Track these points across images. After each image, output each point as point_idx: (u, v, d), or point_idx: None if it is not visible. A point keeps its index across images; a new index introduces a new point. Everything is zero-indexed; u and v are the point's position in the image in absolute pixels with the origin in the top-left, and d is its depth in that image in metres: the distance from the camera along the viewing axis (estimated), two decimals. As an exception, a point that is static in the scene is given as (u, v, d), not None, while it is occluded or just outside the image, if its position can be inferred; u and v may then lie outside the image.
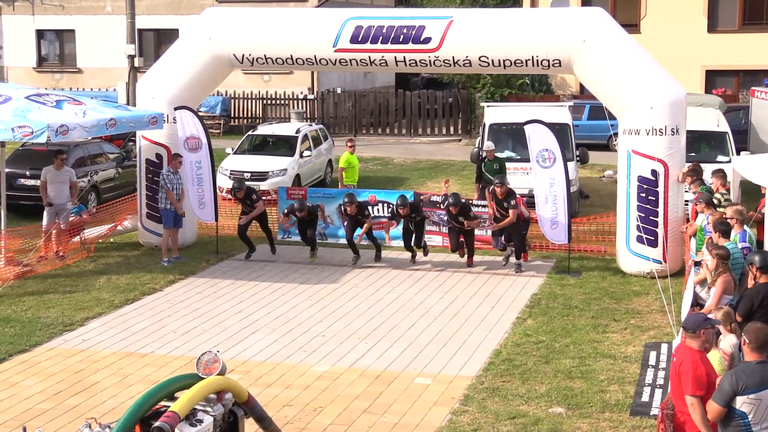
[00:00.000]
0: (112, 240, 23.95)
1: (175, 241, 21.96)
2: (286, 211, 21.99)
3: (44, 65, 47.18)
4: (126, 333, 16.91)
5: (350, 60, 21.77)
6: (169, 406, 10.04)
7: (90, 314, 17.96)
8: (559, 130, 22.50)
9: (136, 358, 15.66)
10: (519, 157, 25.64)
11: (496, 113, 28.46)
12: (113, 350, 15.95)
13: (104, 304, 18.62)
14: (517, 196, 20.97)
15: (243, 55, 22.01)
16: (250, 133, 32.17)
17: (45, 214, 21.85)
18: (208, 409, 10.46)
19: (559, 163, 20.32)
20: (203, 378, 10.53)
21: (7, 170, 22.48)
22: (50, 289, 19.60)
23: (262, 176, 27.91)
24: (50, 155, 22.68)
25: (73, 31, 46.08)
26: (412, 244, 21.46)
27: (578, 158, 26.66)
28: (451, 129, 43.98)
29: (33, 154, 25.63)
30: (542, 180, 20.66)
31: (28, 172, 25.12)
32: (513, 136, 26.37)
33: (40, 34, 47.01)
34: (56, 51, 47.57)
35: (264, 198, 22.98)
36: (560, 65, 20.69)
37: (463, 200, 21.16)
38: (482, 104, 34.20)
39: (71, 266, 21.56)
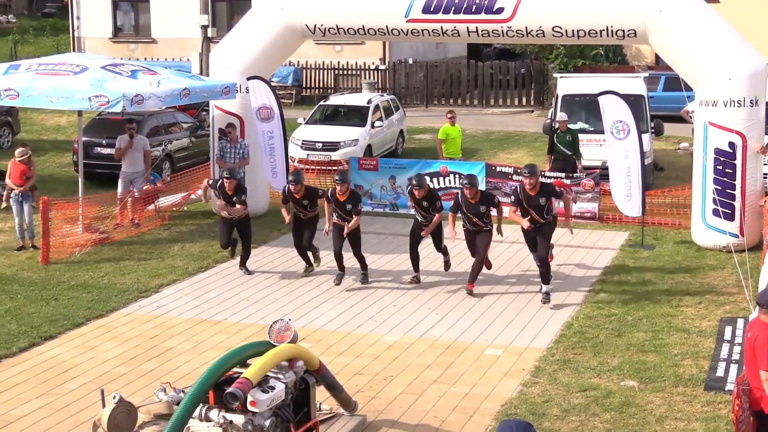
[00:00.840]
0: (185, 208, 24.15)
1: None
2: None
3: (120, 36, 47.42)
4: (199, 300, 17.10)
5: (422, 30, 21.56)
6: (241, 373, 10.11)
7: (164, 281, 18.18)
8: (633, 101, 22.11)
9: (210, 324, 15.79)
10: (592, 129, 25.35)
11: (569, 84, 28.11)
12: (187, 317, 16.16)
13: (178, 271, 18.83)
14: (555, 188, 18.21)
15: (315, 26, 21.96)
16: (321, 103, 32.06)
17: (120, 182, 22.07)
18: (280, 376, 10.53)
19: (633, 134, 19.96)
20: (275, 346, 10.59)
21: (84, 139, 22.68)
22: (126, 256, 19.85)
23: (333, 146, 27.94)
24: (125, 124, 22.90)
25: (147, 1, 46.22)
26: (436, 248, 18.32)
27: (653, 130, 26.26)
28: (524, 100, 43.36)
29: (109, 124, 25.90)
30: (616, 152, 20.33)
31: (104, 141, 25.38)
32: (586, 107, 26.06)
33: (116, 5, 47.17)
34: (131, 22, 47.80)
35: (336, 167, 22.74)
36: (635, 36, 20.34)
37: (477, 182, 17.38)
38: (555, 75, 33.72)
39: (146, 234, 21.79)
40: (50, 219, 19.66)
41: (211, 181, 19.94)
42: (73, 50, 45.24)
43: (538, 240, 16.91)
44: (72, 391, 13.11)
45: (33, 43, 53.87)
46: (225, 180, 18.07)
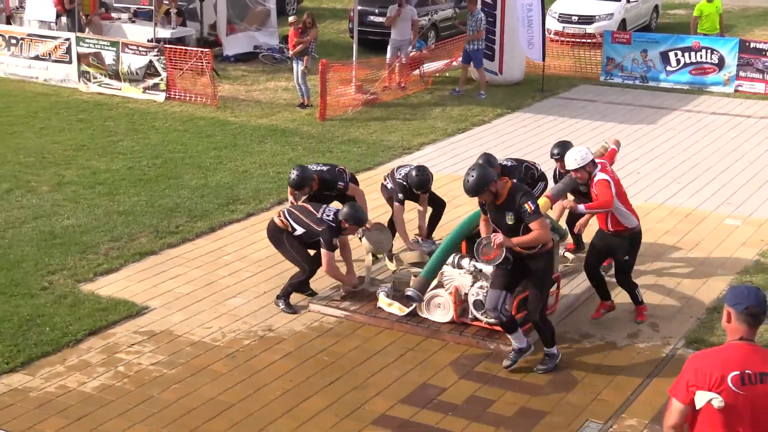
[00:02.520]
0: (447, 74, 24.47)
1: (482, 77, 22.42)
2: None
3: None
4: (456, 159, 17.42)
5: None
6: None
7: (425, 140, 18.64)
8: None
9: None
10: None
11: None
12: (445, 173, 16.42)
13: (438, 131, 19.22)
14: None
15: None
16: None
17: (389, 48, 22.57)
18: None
19: None
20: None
21: (359, 8, 23.28)
22: (392, 116, 20.41)
23: (588, 20, 27.43)
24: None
25: None
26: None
27: None
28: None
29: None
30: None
31: (376, 10, 25.84)
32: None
33: None
34: None
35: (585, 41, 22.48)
36: None
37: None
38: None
39: (411, 96, 22.27)
40: (327, 80, 20.34)
41: None
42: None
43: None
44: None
45: None
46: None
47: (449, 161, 17.39)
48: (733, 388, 5.92)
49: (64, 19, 25.59)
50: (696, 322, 11.14)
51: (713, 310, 11.30)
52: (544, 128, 19.55)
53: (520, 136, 18.98)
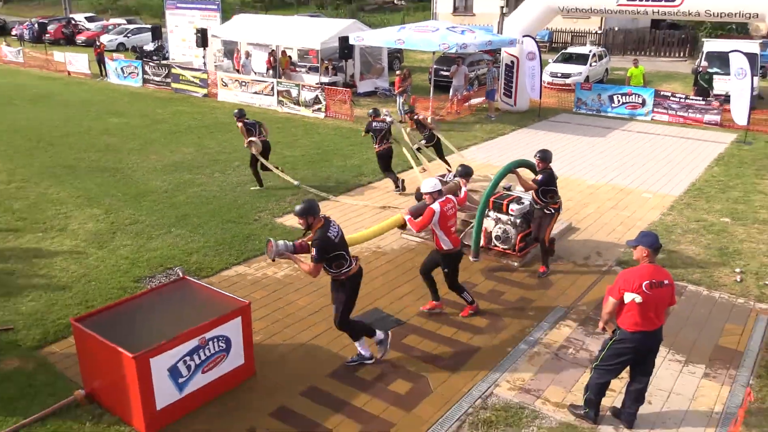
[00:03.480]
0: (484, 106, 23.77)
1: (492, 106, 21.68)
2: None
3: (456, 12, 46.41)
4: (489, 154, 16.80)
5: (625, 11, 19.87)
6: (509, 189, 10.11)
7: (470, 143, 17.97)
8: (750, 56, 19.58)
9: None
10: (722, 72, 22.74)
11: (711, 45, 25.05)
12: (482, 162, 15.82)
13: (478, 138, 18.62)
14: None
15: (564, 7, 20.72)
16: (562, 51, 30.21)
17: (451, 89, 21.99)
18: (525, 197, 10.43)
19: (748, 76, 17.88)
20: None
21: (434, 66, 22.73)
22: (451, 129, 19.69)
23: (567, 75, 26.37)
24: (456, 59, 22.61)
25: (470, -7, 45.11)
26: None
27: (761, 73, 23.22)
28: (681, 53, 38.99)
29: (448, 59, 25.61)
30: (737, 86, 18.29)
31: (444, 68, 25.18)
32: (719, 59, 23.24)
33: (455, -6, 46.43)
34: (463, 4, 46.60)
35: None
36: (757, 17, 17.88)
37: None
38: (703, 39, 30.29)
39: (462, 118, 21.57)
40: (415, 107, 19.83)
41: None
42: (432, 18, 44.95)
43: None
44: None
45: (412, 15, 53.88)
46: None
47: (485, 155, 16.87)
48: (645, 290, 6.05)
49: (271, 71, 25.57)
50: (624, 251, 10.72)
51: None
52: (539, 138, 18.92)
53: (525, 142, 18.41)
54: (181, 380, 6.60)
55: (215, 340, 6.84)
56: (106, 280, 9.43)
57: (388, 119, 13.51)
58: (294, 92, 22.25)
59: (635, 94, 21.58)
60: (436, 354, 7.83)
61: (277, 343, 8.02)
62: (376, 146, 13.43)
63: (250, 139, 13.37)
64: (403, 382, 7.29)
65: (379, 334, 7.64)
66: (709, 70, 22.08)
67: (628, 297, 6.10)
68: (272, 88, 22.86)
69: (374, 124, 13.42)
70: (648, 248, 6.12)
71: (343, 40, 22.85)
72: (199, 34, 27.18)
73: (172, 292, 7.52)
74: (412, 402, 6.96)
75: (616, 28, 41.09)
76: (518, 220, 10.23)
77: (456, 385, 7.25)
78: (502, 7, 32.38)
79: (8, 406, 6.76)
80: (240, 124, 13.55)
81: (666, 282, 6.11)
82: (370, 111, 13.79)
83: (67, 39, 43.40)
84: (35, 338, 7.97)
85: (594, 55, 28.33)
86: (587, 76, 26.71)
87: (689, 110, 20.62)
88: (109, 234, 11.18)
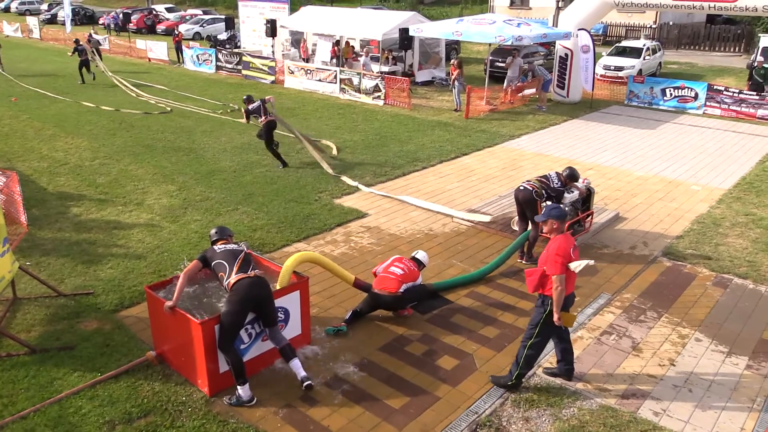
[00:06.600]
0: (536, 96, 23.24)
1: (543, 97, 21.06)
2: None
3: (513, 5, 45.36)
4: (540, 144, 16.41)
5: (682, 5, 19.00)
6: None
7: (522, 132, 17.58)
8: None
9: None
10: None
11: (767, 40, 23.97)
12: (533, 151, 15.52)
13: (530, 128, 18.18)
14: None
15: (620, 3, 19.99)
16: (616, 44, 29.18)
17: (505, 80, 21.56)
18: (575, 189, 10.20)
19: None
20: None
21: (490, 57, 22.26)
22: (504, 118, 19.39)
23: (620, 68, 25.55)
24: (513, 51, 22.09)
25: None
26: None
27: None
28: (736, 48, 37.25)
29: (504, 50, 25.11)
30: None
31: (500, 59, 24.67)
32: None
33: (513, -12, 45.26)
34: (520, -3, 45.57)
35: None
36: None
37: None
38: (759, 34, 28.76)
39: (515, 108, 21.14)
40: (470, 97, 19.62)
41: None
42: (490, 12, 44.09)
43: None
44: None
45: (470, 9, 53.01)
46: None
47: (536, 145, 16.52)
48: (573, 256, 6.25)
49: (334, 60, 25.57)
50: (671, 242, 10.35)
51: (681, 236, 10.53)
52: (590, 129, 18.38)
53: (575, 133, 17.93)
54: (242, 346, 6.73)
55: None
56: (177, 251, 9.66)
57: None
58: (355, 80, 22.24)
59: (688, 87, 20.74)
60: (482, 334, 7.76)
61: (332, 316, 8.08)
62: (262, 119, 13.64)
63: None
64: (450, 358, 7.25)
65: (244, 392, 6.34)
66: (765, 66, 21.04)
67: (573, 266, 6.20)
68: (335, 76, 22.90)
69: (251, 106, 13.77)
70: (557, 220, 6.32)
71: (404, 32, 22.67)
72: (268, 25, 27.41)
73: (236, 265, 7.61)
74: (458, 377, 6.91)
75: (671, 23, 39.50)
76: (567, 208, 10.01)
77: (500, 364, 7.16)
78: (558, 1, 31.47)
79: (87, 364, 7.03)
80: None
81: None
82: (245, 97, 13.98)
83: (149, 28, 44.51)
84: (113, 302, 8.25)
85: (648, 48, 27.31)
86: (640, 69, 25.80)
87: (742, 105, 19.72)
88: (181, 209, 11.45)
